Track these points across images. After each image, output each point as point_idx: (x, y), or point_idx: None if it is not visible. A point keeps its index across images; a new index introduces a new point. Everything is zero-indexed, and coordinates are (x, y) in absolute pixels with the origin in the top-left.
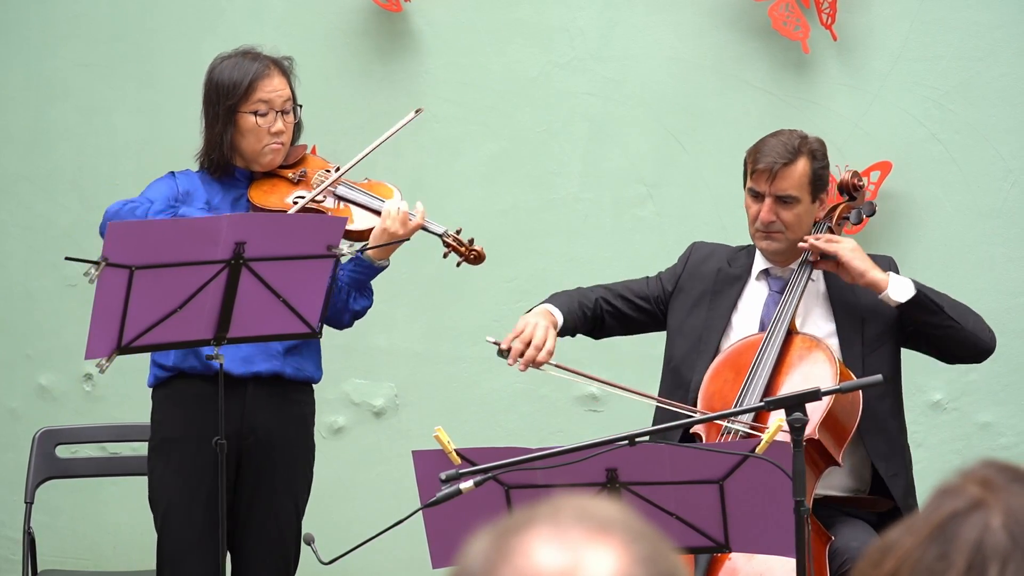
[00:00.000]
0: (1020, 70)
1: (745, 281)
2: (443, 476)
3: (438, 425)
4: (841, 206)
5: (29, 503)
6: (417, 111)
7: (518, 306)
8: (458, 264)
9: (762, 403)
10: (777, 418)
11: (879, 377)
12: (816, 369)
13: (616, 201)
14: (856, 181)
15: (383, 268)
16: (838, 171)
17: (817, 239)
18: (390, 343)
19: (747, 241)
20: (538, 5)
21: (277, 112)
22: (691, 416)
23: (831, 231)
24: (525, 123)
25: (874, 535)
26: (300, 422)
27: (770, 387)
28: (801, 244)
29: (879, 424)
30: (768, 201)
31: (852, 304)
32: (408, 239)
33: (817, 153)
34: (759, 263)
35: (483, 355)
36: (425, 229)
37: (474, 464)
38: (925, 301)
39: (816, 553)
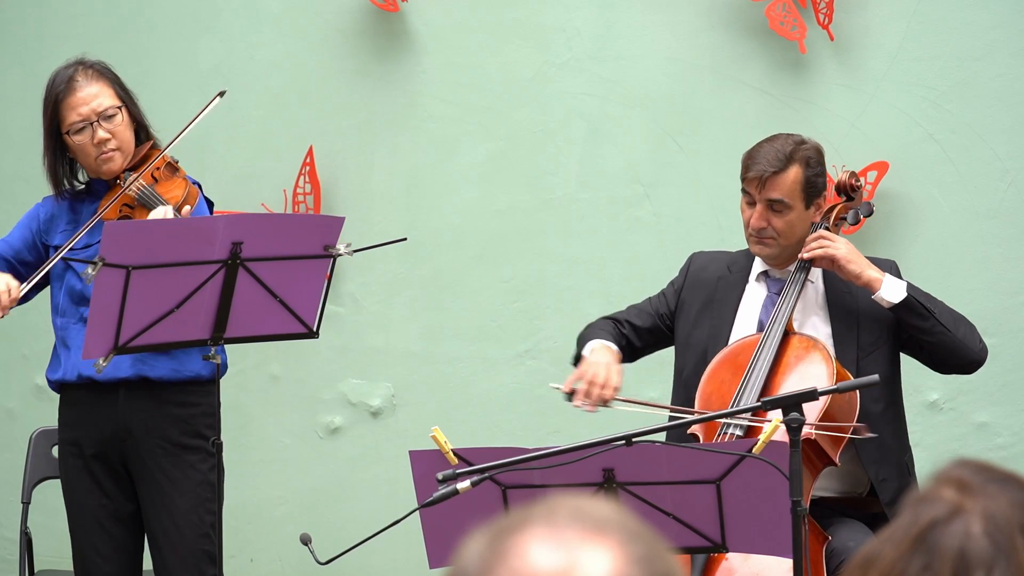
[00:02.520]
0: (1017, 70)
1: (744, 284)
2: (440, 476)
3: (435, 425)
4: (838, 207)
5: (26, 503)
6: (220, 93)
7: (515, 306)
8: None
9: (759, 403)
10: (774, 418)
11: (875, 377)
12: (813, 369)
13: (613, 201)
14: (853, 181)
15: None
16: (835, 171)
17: (811, 248)
18: (387, 343)
19: (743, 242)
20: (535, 5)
21: (94, 122)
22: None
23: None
24: (522, 123)
25: (871, 535)
26: (181, 422)
27: (767, 387)
28: (802, 255)
29: (871, 428)
30: (759, 207)
31: (849, 308)
32: None
33: (811, 160)
34: (758, 265)
35: (480, 355)
36: None
37: (471, 464)
38: (915, 305)
39: (813, 553)
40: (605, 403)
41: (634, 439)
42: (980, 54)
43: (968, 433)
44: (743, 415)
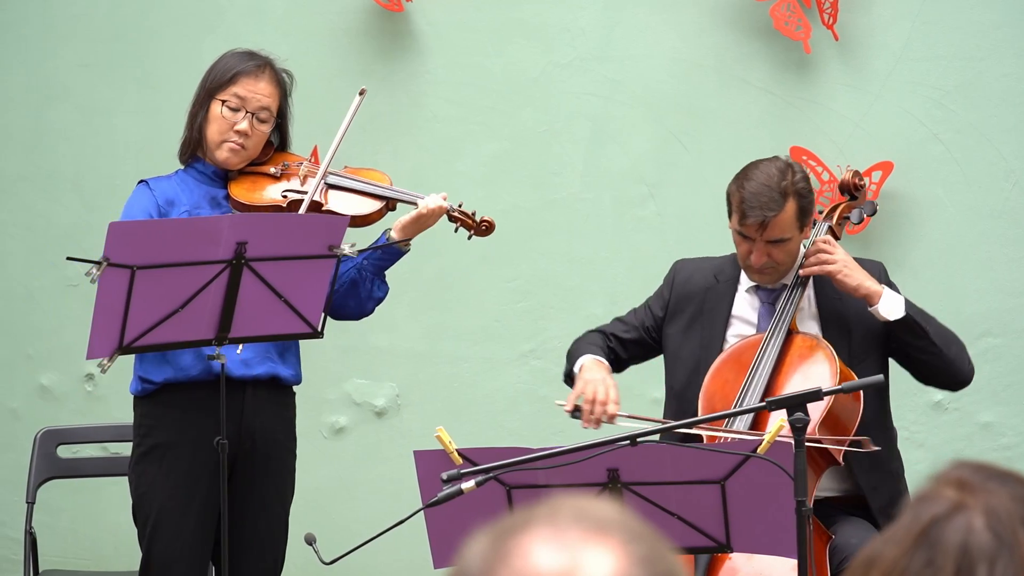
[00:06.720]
0: (1022, 70)
1: (733, 295)
2: (444, 476)
3: (439, 425)
4: (842, 206)
5: (30, 503)
6: (361, 92)
7: (519, 306)
8: (469, 237)
9: (764, 403)
10: (779, 418)
11: (880, 377)
12: (816, 368)
13: (617, 201)
14: (857, 181)
15: (406, 253)
16: (839, 171)
17: (808, 266)
18: (391, 343)
19: None
20: (539, 5)
21: (249, 113)
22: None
23: (832, 231)
24: (526, 123)
25: (874, 532)
26: (289, 425)
27: (770, 386)
28: (800, 273)
29: (863, 435)
30: (760, 245)
31: (840, 314)
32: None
33: (803, 190)
34: (747, 279)
35: (484, 355)
36: None
37: (475, 464)
38: (913, 324)
39: (816, 552)
40: (610, 420)
41: (639, 439)
42: (985, 54)
43: (973, 433)
44: (743, 423)
